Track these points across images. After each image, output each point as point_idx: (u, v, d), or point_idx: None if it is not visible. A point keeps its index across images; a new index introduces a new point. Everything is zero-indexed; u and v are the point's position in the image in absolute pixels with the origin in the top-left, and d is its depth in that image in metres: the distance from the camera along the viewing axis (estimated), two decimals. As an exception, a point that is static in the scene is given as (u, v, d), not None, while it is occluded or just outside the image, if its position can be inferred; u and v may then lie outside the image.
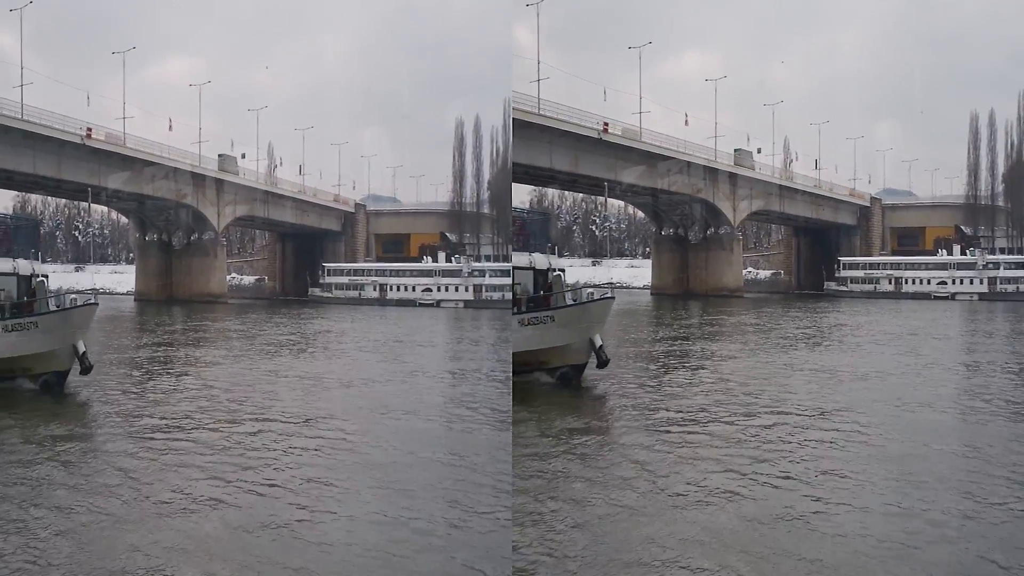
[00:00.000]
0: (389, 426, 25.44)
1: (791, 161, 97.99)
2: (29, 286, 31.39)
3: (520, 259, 33.90)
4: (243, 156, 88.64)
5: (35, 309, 30.22)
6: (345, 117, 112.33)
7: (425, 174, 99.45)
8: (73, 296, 30.48)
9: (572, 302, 32.14)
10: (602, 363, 31.16)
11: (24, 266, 31.64)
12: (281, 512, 16.88)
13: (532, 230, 35.45)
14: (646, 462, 20.38)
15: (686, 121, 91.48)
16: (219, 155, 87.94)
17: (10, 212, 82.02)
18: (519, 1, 76.35)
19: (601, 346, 31.07)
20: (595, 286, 36.50)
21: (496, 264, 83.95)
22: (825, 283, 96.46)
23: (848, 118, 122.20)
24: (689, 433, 23.75)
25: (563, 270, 34.42)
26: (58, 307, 30.05)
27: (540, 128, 73.87)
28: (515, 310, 32.45)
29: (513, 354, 31.49)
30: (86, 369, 29.61)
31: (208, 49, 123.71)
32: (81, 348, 29.30)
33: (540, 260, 33.79)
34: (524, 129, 70.27)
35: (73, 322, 29.33)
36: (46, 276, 31.94)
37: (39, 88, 74.40)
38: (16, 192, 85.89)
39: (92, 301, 29.61)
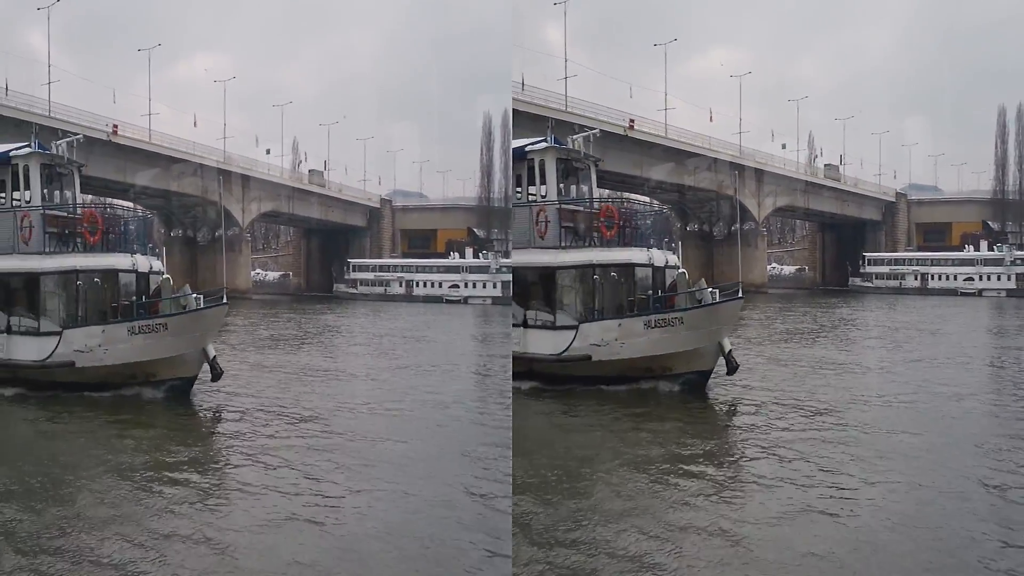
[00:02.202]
0: (387, 421, 25.31)
1: (815, 157, 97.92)
2: (148, 284, 29.87)
3: (637, 255, 31.90)
4: (268, 152, 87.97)
5: (160, 309, 28.66)
6: (371, 112, 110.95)
7: (452, 169, 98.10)
8: (197, 295, 28.79)
9: (700, 302, 30.76)
10: (731, 369, 29.46)
11: (143, 263, 29.97)
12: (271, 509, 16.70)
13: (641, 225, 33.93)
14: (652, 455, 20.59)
15: (711, 117, 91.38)
16: (310, 170, 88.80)
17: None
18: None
19: (730, 351, 29.39)
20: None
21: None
22: (850, 279, 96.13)
23: (874, 114, 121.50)
24: (711, 427, 24.01)
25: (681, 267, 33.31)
26: (185, 307, 28.34)
27: (567, 125, 73.09)
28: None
29: (633, 359, 29.47)
30: (217, 375, 28.01)
31: (233, 46, 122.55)
32: (211, 352, 27.81)
33: (659, 257, 32.33)
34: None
35: (204, 324, 27.80)
36: (164, 273, 30.37)
37: (66, 85, 73.81)
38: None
39: (222, 301, 28.04)
